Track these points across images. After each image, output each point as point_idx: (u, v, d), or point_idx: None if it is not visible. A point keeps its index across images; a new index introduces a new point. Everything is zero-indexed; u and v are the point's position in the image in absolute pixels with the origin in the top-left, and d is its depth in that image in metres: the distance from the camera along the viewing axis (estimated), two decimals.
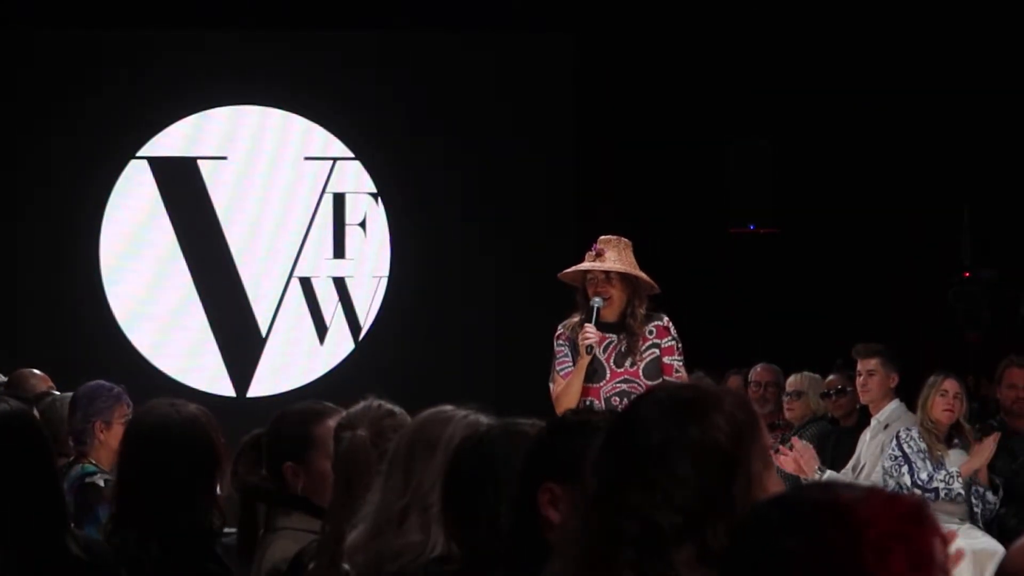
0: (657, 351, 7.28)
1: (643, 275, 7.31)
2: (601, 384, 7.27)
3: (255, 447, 4.32)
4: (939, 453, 8.52)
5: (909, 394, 8.83)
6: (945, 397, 8.58)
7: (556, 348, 7.38)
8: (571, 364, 7.28)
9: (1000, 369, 9.06)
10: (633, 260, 7.36)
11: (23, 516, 3.60)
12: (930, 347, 10.09)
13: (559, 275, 7.48)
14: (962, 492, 8.46)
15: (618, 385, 7.26)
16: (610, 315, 7.29)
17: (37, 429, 3.84)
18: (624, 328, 7.28)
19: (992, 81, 11.22)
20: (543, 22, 11.83)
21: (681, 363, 7.30)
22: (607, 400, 7.17)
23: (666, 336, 7.29)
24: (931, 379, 8.66)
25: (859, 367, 9.02)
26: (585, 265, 7.35)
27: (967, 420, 8.67)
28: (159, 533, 4.17)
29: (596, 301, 7.26)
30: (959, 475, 8.44)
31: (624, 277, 7.28)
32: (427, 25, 11.78)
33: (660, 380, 7.12)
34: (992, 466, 8.62)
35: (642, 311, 7.28)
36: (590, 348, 7.21)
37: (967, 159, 11.19)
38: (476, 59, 12.00)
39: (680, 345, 7.31)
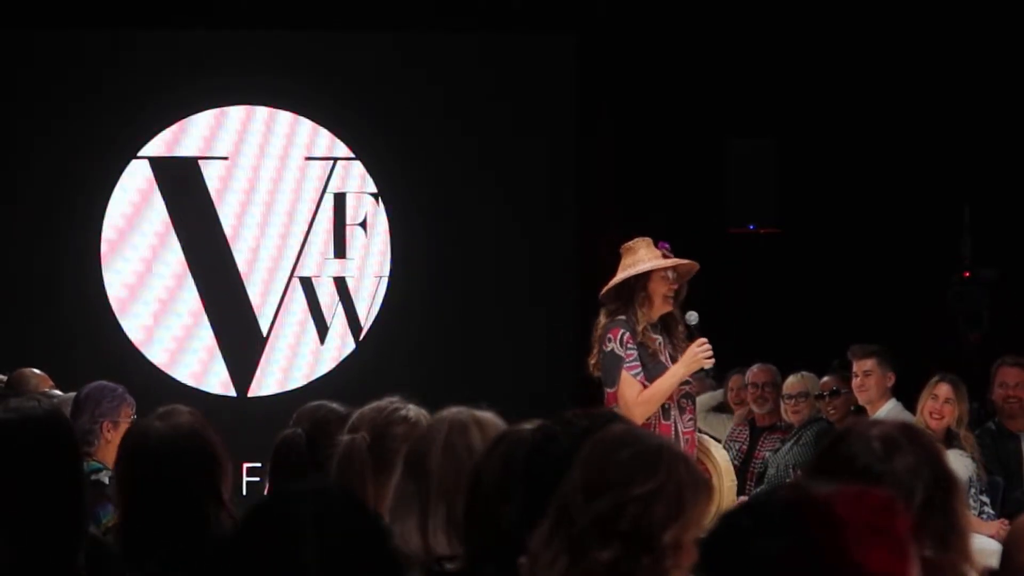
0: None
1: None
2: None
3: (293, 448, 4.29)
4: None
5: (909, 395, 8.78)
6: (935, 401, 8.44)
7: (625, 352, 7.14)
8: (641, 369, 7.15)
9: (993, 369, 8.98)
10: None
11: (45, 519, 3.50)
12: (930, 347, 10.07)
13: (636, 271, 7.25)
14: None
15: (682, 387, 7.23)
16: (653, 315, 7.28)
17: (69, 432, 3.72)
18: (666, 330, 7.31)
19: (992, 80, 11.22)
20: (544, 23, 11.83)
21: None
22: (678, 402, 7.17)
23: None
24: (931, 381, 8.59)
25: (855, 368, 8.90)
26: (672, 261, 7.27)
27: (967, 424, 8.55)
28: (172, 544, 4.06)
29: (692, 317, 7.29)
30: None
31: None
32: (428, 26, 11.78)
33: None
34: (991, 470, 8.56)
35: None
36: (702, 369, 7.27)
37: (967, 157, 11.19)
38: (477, 60, 12.00)
39: None
